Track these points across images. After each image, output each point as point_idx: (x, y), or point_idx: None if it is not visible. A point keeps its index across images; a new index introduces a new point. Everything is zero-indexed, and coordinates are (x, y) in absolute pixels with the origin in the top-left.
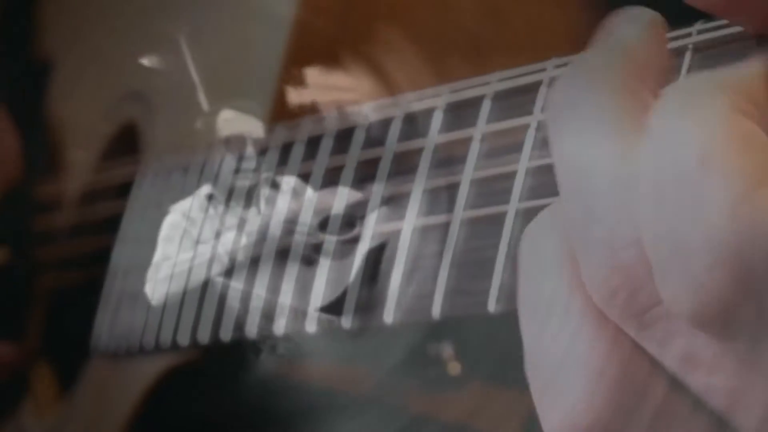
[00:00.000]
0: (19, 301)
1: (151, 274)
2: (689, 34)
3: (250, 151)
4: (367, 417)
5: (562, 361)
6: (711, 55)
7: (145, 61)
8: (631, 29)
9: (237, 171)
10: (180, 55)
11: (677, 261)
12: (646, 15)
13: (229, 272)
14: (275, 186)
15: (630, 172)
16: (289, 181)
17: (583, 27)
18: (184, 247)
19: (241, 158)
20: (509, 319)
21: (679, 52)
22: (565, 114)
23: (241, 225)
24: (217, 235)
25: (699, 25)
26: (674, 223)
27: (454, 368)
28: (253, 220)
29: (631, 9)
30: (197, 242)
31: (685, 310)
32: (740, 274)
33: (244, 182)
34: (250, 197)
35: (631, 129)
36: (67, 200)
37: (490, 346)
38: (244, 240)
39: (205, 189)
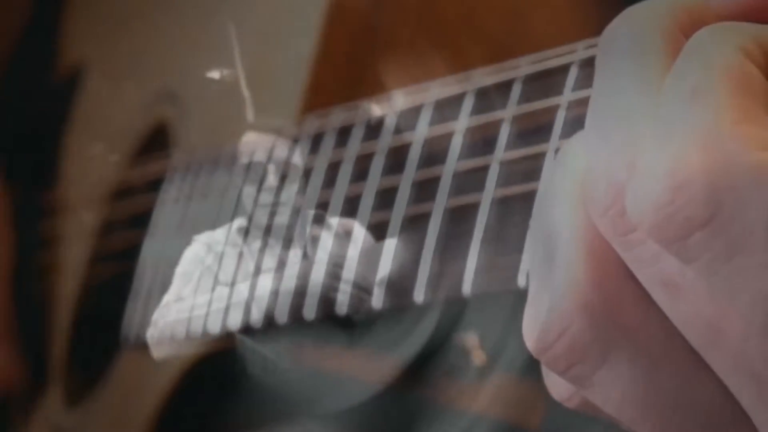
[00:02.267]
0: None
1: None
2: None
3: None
4: (389, 405)
5: (547, 266)
6: None
7: (177, 62)
8: None
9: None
10: (212, 55)
11: (646, 177)
12: None
13: (260, 257)
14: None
15: (645, 105)
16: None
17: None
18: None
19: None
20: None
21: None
22: (611, 43)
23: (280, 267)
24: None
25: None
26: (655, 144)
27: (479, 357)
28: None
29: None
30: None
31: (645, 223)
32: (704, 197)
33: (282, 216)
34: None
35: (662, 71)
36: (95, 199)
37: (513, 336)
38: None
39: (238, 222)
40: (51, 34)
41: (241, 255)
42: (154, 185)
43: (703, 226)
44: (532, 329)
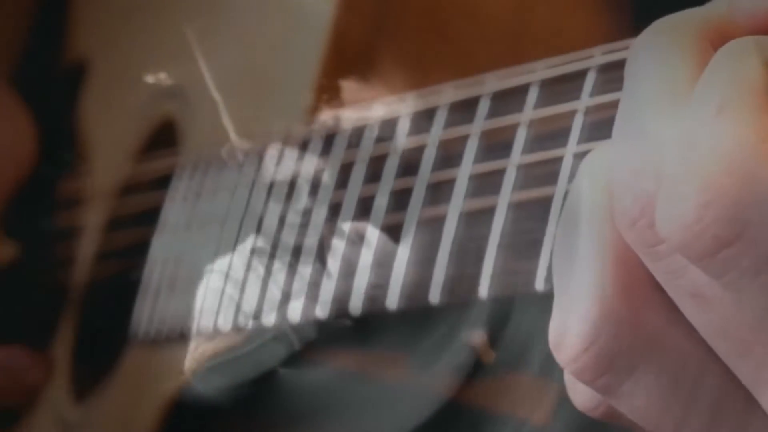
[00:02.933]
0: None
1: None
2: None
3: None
4: (399, 403)
5: (575, 276)
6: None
7: (183, 57)
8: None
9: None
10: (218, 50)
11: (675, 193)
12: None
13: (272, 256)
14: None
15: (673, 118)
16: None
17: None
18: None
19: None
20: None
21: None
22: (641, 55)
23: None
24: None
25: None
26: (683, 160)
27: (488, 355)
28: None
29: None
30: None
31: (673, 240)
32: (727, 217)
33: (312, 237)
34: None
35: (690, 83)
36: (103, 193)
37: (522, 335)
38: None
39: (250, 242)
40: (57, 30)
41: (264, 281)
42: (163, 182)
43: (731, 243)
44: (559, 339)
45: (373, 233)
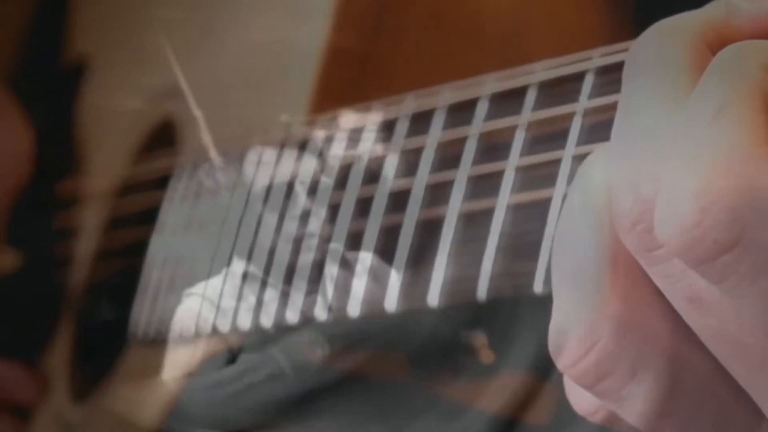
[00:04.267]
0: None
1: (189, 264)
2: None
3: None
4: (399, 404)
5: (575, 280)
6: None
7: (183, 57)
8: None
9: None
10: (218, 50)
11: (673, 197)
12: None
13: (270, 256)
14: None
15: (671, 121)
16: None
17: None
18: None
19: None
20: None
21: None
22: (639, 58)
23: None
24: None
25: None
26: (681, 164)
27: (487, 356)
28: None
29: None
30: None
31: (672, 244)
32: (726, 222)
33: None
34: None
35: (688, 86)
36: (100, 195)
37: (521, 336)
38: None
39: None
40: (57, 30)
41: (263, 281)
42: (162, 181)
43: (730, 248)
44: (558, 344)
45: (371, 235)
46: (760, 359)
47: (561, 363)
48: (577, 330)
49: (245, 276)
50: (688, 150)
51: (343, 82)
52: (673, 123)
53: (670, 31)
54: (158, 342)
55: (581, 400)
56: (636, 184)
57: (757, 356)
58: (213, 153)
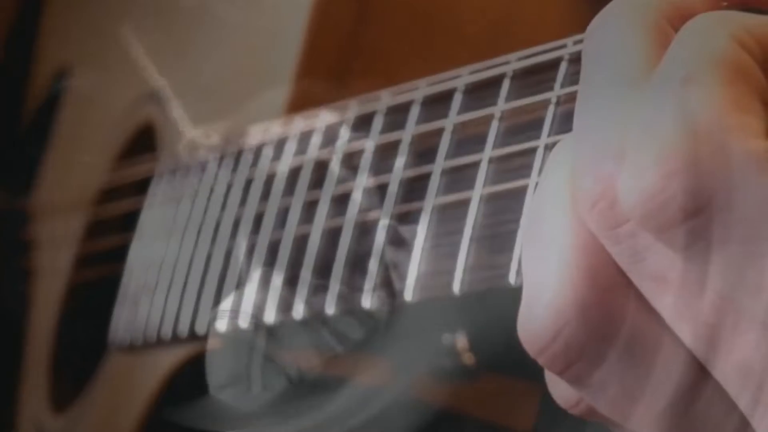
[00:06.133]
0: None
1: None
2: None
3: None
4: (380, 407)
5: (540, 266)
6: None
7: (161, 61)
8: None
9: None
10: (196, 54)
11: (638, 164)
12: None
13: (247, 258)
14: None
15: (634, 97)
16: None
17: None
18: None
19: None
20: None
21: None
22: (597, 37)
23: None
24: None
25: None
26: (646, 132)
27: (469, 359)
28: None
29: None
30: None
31: (636, 212)
32: (693, 187)
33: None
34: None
35: (649, 62)
36: (80, 201)
37: (503, 337)
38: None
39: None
40: (31, 36)
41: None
42: (141, 187)
43: (696, 214)
44: (528, 330)
45: (348, 230)
46: (727, 342)
47: (530, 349)
48: (544, 315)
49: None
50: (653, 118)
51: (321, 86)
52: (635, 97)
53: (629, 9)
54: (138, 349)
55: (562, 392)
56: (595, 161)
57: (723, 338)
58: (194, 155)
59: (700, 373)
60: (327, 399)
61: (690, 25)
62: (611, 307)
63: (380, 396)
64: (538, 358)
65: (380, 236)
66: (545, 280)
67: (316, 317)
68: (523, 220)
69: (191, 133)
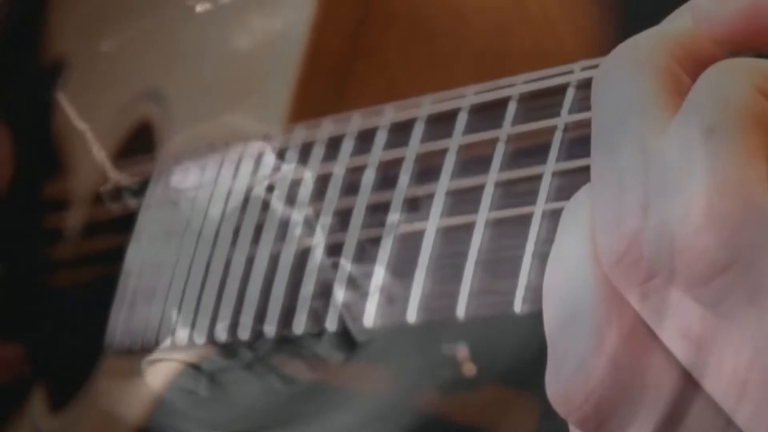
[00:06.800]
0: (23, 302)
1: (167, 270)
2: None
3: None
4: (380, 417)
5: (568, 327)
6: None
7: (161, 59)
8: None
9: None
10: (195, 52)
11: (665, 221)
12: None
13: (247, 267)
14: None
15: (653, 147)
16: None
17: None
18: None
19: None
20: (525, 321)
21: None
22: (607, 86)
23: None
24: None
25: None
26: (673, 186)
27: (469, 369)
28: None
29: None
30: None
31: (665, 269)
32: (725, 240)
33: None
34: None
35: (664, 110)
36: (79, 199)
37: (504, 348)
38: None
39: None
40: (33, 30)
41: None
42: (139, 187)
43: (725, 269)
44: (557, 390)
45: (349, 248)
46: (758, 398)
47: (561, 410)
48: (574, 376)
49: (222, 286)
50: (677, 170)
51: (323, 90)
52: (655, 147)
53: (636, 55)
54: (134, 352)
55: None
56: (619, 216)
57: (756, 393)
58: (190, 159)
59: (729, 428)
60: (323, 408)
61: (710, 72)
62: (644, 365)
63: (378, 406)
64: (568, 417)
65: (382, 255)
66: (572, 340)
67: (315, 333)
68: (530, 246)
69: (192, 137)
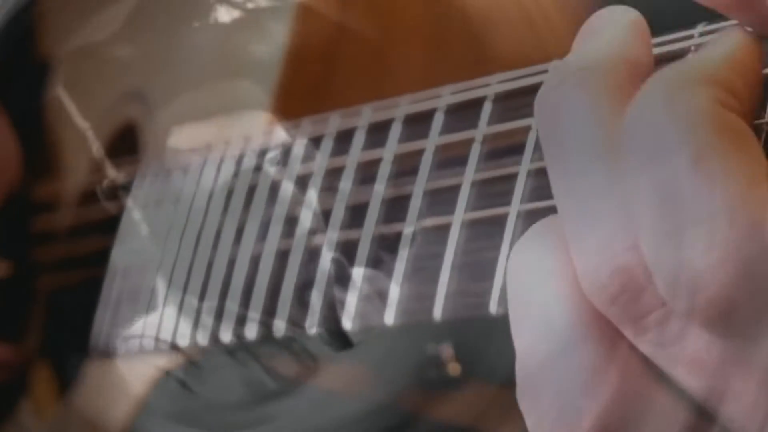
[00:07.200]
0: (19, 302)
1: (151, 273)
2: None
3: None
4: (365, 418)
5: (559, 368)
6: None
7: (145, 60)
8: (618, 29)
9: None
10: (180, 54)
11: (680, 261)
12: (628, 14)
13: (229, 269)
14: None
15: (623, 173)
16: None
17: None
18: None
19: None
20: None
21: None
22: (556, 117)
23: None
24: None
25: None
26: (674, 224)
27: (455, 369)
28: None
29: (613, 9)
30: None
31: (689, 308)
32: (741, 272)
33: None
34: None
35: (617, 119)
36: (66, 200)
37: (489, 346)
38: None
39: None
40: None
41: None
42: (124, 189)
43: (745, 302)
44: (542, 429)
45: (329, 249)
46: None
47: None
48: (584, 419)
49: (204, 290)
50: (675, 209)
51: (304, 89)
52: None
53: (586, 75)
54: (120, 355)
55: None
56: (607, 253)
57: (762, 413)
58: (174, 160)
59: None
60: (306, 407)
61: (661, 94)
62: (643, 396)
63: (362, 405)
64: None
65: (361, 256)
66: (558, 381)
67: (296, 335)
68: (506, 247)
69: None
